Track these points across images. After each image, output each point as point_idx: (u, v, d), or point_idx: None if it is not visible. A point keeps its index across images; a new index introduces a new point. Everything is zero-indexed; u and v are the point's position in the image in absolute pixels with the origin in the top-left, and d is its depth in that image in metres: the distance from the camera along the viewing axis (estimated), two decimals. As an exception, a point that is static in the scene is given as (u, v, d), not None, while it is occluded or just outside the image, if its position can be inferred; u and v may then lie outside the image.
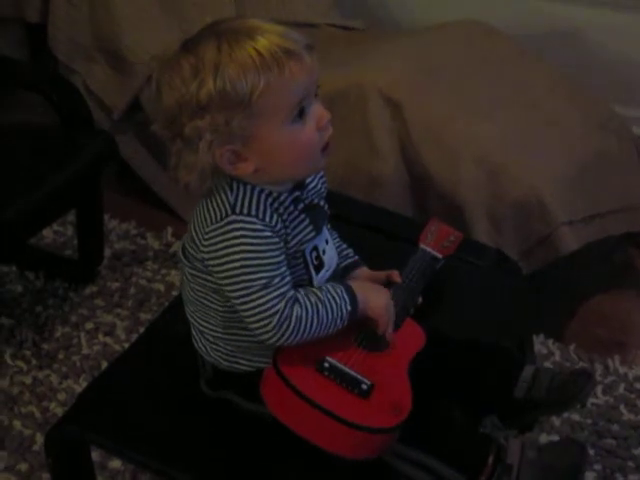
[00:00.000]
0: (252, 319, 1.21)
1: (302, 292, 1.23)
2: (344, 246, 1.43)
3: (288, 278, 1.22)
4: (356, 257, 1.43)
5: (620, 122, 2.26)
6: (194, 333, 1.34)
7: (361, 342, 1.28)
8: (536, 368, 1.42)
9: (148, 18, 2.39)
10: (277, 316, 1.19)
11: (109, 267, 2.30)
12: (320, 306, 1.22)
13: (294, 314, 1.20)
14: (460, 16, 2.45)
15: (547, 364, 1.99)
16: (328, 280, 1.31)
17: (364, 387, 1.23)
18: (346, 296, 1.25)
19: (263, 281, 1.19)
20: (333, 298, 1.24)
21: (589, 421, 1.85)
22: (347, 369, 1.24)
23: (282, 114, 1.16)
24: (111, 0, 2.43)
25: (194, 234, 1.23)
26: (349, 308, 1.24)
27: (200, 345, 1.33)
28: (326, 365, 1.24)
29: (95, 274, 2.26)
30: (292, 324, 1.20)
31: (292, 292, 1.21)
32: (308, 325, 1.21)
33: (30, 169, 1.94)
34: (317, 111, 1.19)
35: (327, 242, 1.32)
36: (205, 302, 1.28)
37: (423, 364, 1.30)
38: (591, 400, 1.88)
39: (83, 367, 2.01)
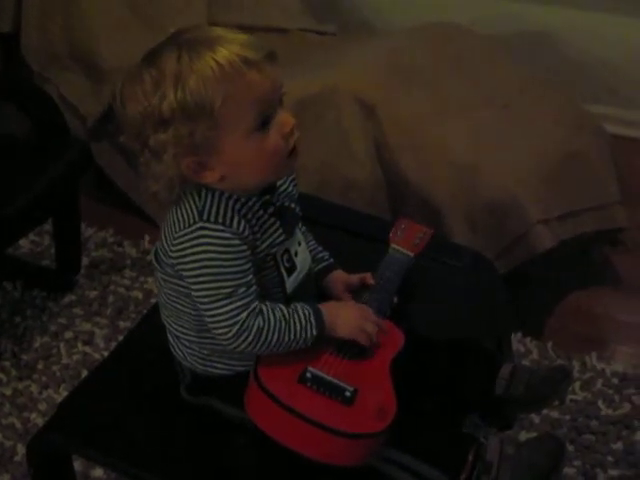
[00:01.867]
0: (213, 325, 1.22)
1: (268, 305, 1.24)
2: (319, 249, 1.43)
3: (254, 288, 1.22)
4: (331, 260, 1.43)
5: (592, 120, 2.28)
6: (170, 338, 1.34)
7: (341, 350, 1.29)
8: (514, 366, 1.43)
9: (122, 26, 2.39)
10: (237, 326, 1.21)
11: (87, 276, 2.29)
12: (283, 324, 1.24)
13: (255, 325, 1.21)
14: (432, 19, 2.47)
15: (525, 362, 2.00)
16: (301, 283, 1.32)
17: (347, 394, 1.23)
18: (313, 320, 1.26)
19: (227, 290, 1.20)
20: (299, 319, 1.25)
21: (567, 417, 1.86)
22: (329, 378, 1.25)
23: (245, 124, 1.16)
24: (85, 9, 2.43)
25: (164, 239, 1.23)
26: (314, 332, 1.25)
27: (177, 350, 1.34)
28: (308, 375, 1.25)
29: (73, 283, 2.26)
30: (252, 335, 1.21)
31: (256, 303, 1.22)
32: (268, 339, 1.23)
33: (5, 179, 1.94)
34: (281, 118, 1.19)
35: (299, 244, 1.32)
36: (178, 306, 1.28)
37: (402, 365, 1.30)
38: (569, 397, 1.90)
39: (63, 377, 2.01)
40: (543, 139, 2.12)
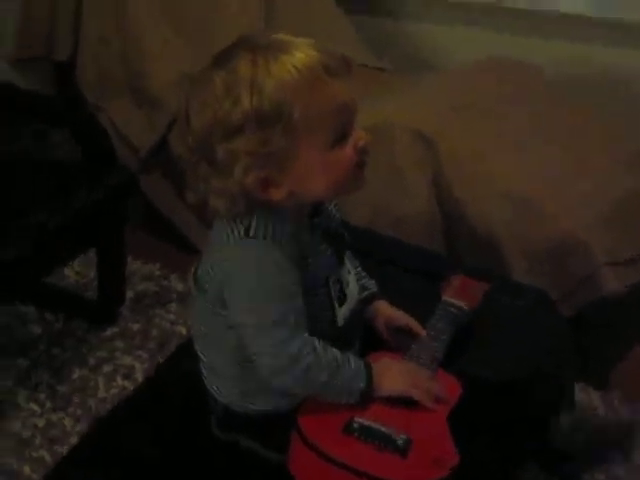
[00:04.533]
0: (259, 355, 1.13)
1: (321, 343, 1.14)
2: (363, 274, 1.34)
3: (303, 316, 1.13)
4: (375, 289, 1.34)
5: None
6: (204, 371, 1.25)
7: (391, 399, 1.18)
8: (574, 417, 1.31)
9: (178, 54, 2.35)
10: (286, 356, 1.11)
11: (131, 308, 2.23)
12: (334, 366, 1.14)
13: (306, 360, 1.12)
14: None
15: (589, 414, 1.86)
16: (351, 316, 1.22)
17: (400, 443, 1.13)
18: (363, 373, 1.16)
19: (277, 315, 1.10)
20: (350, 367, 1.15)
21: (636, 477, 1.72)
22: (378, 426, 1.14)
23: (324, 136, 1.08)
24: (142, 36, 2.40)
25: (207, 260, 1.14)
26: (361, 385, 1.15)
27: (211, 384, 1.24)
28: (355, 426, 1.14)
29: (115, 315, 2.19)
30: (300, 369, 1.12)
31: (306, 333, 1.13)
32: (316, 378, 1.13)
33: (47, 202, 1.88)
34: (359, 133, 1.11)
35: (349, 273, 1.23)
36: (217, 337, 1.19)
37: (458, 410, 1.19)
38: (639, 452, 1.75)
39: (99, 410, 1.92)
40: (606, 179, 2.01)
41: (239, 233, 1.10)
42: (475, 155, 2.01)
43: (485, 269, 1.78)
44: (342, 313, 1.20)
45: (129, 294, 2.26)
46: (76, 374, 2.03)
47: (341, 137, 1.09)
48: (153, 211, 2.47)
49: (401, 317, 1.31)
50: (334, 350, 1.15)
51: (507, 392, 1.31)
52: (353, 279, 1.24)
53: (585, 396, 1.90)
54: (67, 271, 2.34)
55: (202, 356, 1.24)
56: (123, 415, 1.36)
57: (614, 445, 1.31)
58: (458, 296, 1.37)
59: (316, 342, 1.13)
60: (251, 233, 1.10)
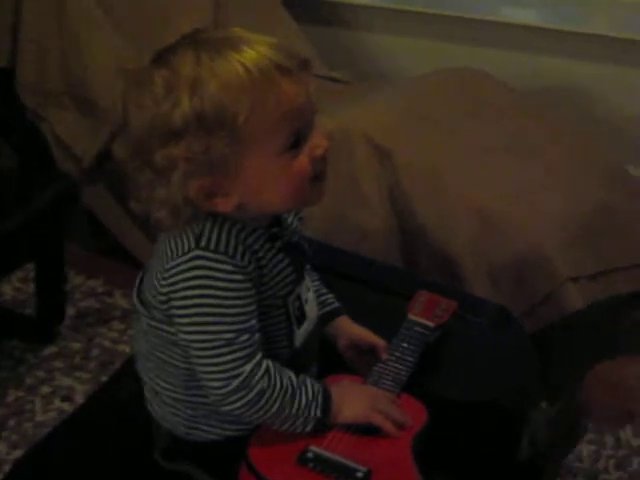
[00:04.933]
0: (208, 377, 1.02)
1: (276, 366, 1.05)
2: (323, 290, 1.25)
3: (257, 336, 1.03)
4: (336, 304, 1.25)
5: (624, 175, 2.11)
6: (147, 395, 1.14)
7: (350, 426, 1.09)
8: (532, 430, 1.25)
9: (121, 58, 2.24)
10: (237, 380, 1.01)
11: (71, 327, 2.12)
12: (289, 392, 1.04)
13: (259, 385, 1.02)
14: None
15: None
16: (309, 336, 1.13)
17: (359, 475, 1.03)
18: (320, 399, 1.07)
19: (228, 335, 1.00)
20: (306, 393, 1.06)
21: None
22: (336, 457, 1.05)
23: (274, 143, 0.98)
24: (84, 43, 2.29)
25: (152, 274, 1.04)
26: (317, 413, 1.06)
27: (155, 408, 1.14)
28: (310, 455, 1.05)
29: (55, 334, 2.08)
30: (251, 394, 1.02)
31: (260, 355, 1.03)
32: (268, 405, 1.03)
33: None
34: (315, 140, 1.01)
35: (309, 290, 1.14)
36: (163, 357, 1.09)
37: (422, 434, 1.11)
38: (603, 476, 1.69)
39: (36, 435, 1.81)
40: (572, 191, 1.95)
41: (188, 244, 1.01)
42: (434, 167, 1.94)
43: (446, 285, 1.71)
44: (300, 333, 1.11)
45: (70, 311, 2.15)
46: (12, 396, 1.92)
47: (294, 144, 0.99)
48: (97, 224, 2.35)
49: (365, 335, 1.23)
50: (290, 374, 1.06)
51: (473, 413, 1.23)
52: (312, 296, 1.15)
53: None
54: (4, 287, 2.22)
55: (145, 378, 1.14)
56: (58, 442, 1.26)
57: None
58: (424, 314, 1.29)
59: (270, 365, 1.04)
60: (202, 244, 1.00)
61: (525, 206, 1.88)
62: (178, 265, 1.00)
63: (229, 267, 0.99)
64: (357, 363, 1.22)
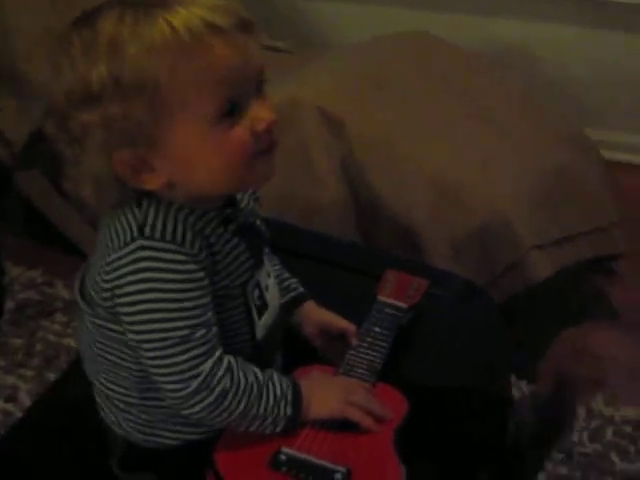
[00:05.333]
0: (163, 380, 0.93)
1: (239, 362, 0.96)
2: (285, 275, 1.15)
3: (215, 330, 0.93)
4: (301, 289, 1.16)
5: (586, 141, 2.05)
6: (99, 399, 1.04)
7: (325, 423, 1.00)
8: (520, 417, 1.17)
9: (50, 27, 2.10)
10: (197, 381, 0.92)
11: (11, 321, 1.99)
12: (255, 390, 0.95)
13: (220, 385, 0.93)
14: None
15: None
16: (272, 325, 1.03)
17: (338, 476, 0.95)
18: (290, 395, 0.97)
19: (181, 332, 0.90)
20: (274, 390, 0.97)
21: (578, 474, 1.59)
22: (311, 458, 0.96)
23: (203, 110, 0.88)
24: (8, 22, 2.15)
25: (94, 268, 0.94)
26: (288, 411, 0.97)
27: (108, 414, 1.03)
28: (282, 458, 0.96)
29: (-7, 330, 1.95)
30: (213, 396, 0.93)
31: (220, 351, 0.94)
32: (232, 406, 0.94)
33: None
34: (256, 112, 0.90)
35: (269, 275, 1.04)
36: (111, 358, 0.98)
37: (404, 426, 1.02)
38: (578, 449, 1.63)
39: (-21, 441, 1.69)
40: (533, 157, 1.89)
41: (131, 233, 0.90)
42: (388, 136, 1.85)
43: (411, 260, 1.63)
44: (262, 324, 1.01)
45: (9, 305, 2.02)
46: (-51, 400, 1.79)
47: (228, 113, 0.89)
48: (33, 211, 2.23)
49: (334, 320, 1.14)
50: (255, 369, 0.97)
51: (447, 398, 1.15)
52: (273, 282, 1.05)
53: (516, 390, 1.77)
54: (-63, 281, 2.08)
55: (95, 381, 1.03)
56: (6, 451, 1.15)
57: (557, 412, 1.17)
58: (395, 295, 1.21)
59: (232, 361, 0.95)
60: (146, 232, 0.90)
61: (483, 173, 1.81)
62: (120, 258, 0.90)
63: (178, 256, 0.90)
64: (328, 351, 1.13)
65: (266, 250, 1.05)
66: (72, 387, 1.21)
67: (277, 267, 1.14)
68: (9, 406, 1.78)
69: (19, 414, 1.74)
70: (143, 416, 1.00)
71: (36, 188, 2.21)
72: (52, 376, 1.84)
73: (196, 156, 0.89)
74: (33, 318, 2.00)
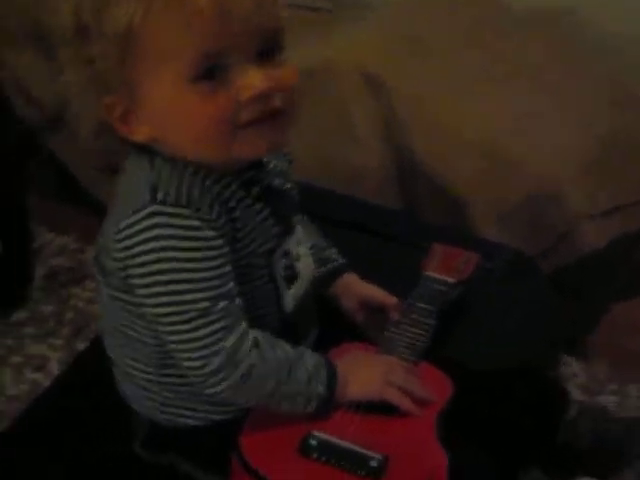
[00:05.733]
0: (182, 357, 0.86)
1: (266, 336, 0.88)
2: (324, 244, 1.07)
3: (238, 301, 0.86)
4: (341, 260, 1.08)
5: (636, 97, 1.93)
6: (118, 376, 0.98)
7: (360, 405, 0.92)
8: (581, 404, 1.08)
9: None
10: (219, 358, 0.84)
11: (42, 288, 1.94)
12: (285, 368, 0.87)
13: (246, 361, 0.85)
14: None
15: (571, 387, 1.64)
16: (304, 298, 0.95)
17: (373, 464, 0.87)
18: (324, 374, 0.89)
19: (201, 304, 0.83)
20: (306, 368, 0.89)
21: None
22: (344, 443, 0.88)
23: (178, 65, 0.80)
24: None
25: (107, 232, 0.87)
26: (320, 390, 0.89)
27: (128, 392, 0.97)
28: (313, 443, 0.89)
29: (24, 297, 1.90)
30: (238, 374, 0.85)
31: (244, 325, 0.86)
32: (259, 385, 0.86)
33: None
34: (245, 80, 0.81)
35: (300, 243, 0.96)
36: (129, 332, 0.91)
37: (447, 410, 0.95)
38: (631, 431, 1.54)
39: (8, 412, 1.64)
40: (586, 120, 1.77)
41: (143, 198, 0.83)
42: (432, 98, 1.75)
43: (458, 230, 1.54)
44: (291, 295, 0.94)
45: (40, 271, 1.98)
46: (-22, 369, 1.75)
47: (206, 74, 0.81)
48: (67, 176, 2.17)
49: (376, 294, 1.06)
50: (284, 344, 0.90)
51: (497, 382, 1.06)
52: (306, 251, 0.97)
53: (566, 368, 1.68)
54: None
55: (114, 357, 0.97)
56: (26, 428, 1.09)
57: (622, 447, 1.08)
58: (442, 269, 1.12)
59: (259, 336, 0.88)
60: (159, 197, 0.83)
61: (533, 136, 1.70)
62: (132, 225, 0.83)
63: (194, 222, 0.82)
64: (369, 327, 1.06)
65: (299, 216, 0.97)
66: (99, 358, 1.14)
67: (314, 235, 1.06)
68: (38, 376, 1.73)
69: (48, 384, 1.70)
70: (164, 394, 0.93)
71: (68, 151, 2.16)
72: (82, 345, 1.79)
73: (169, 116, 0.82)
74: (64, 285, 1.95)
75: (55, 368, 1.74)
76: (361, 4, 2.61)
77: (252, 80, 0.81)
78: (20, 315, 1.87)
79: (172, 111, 0.82)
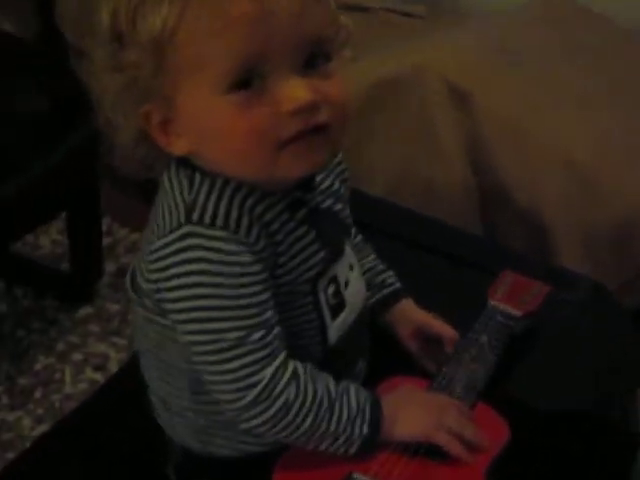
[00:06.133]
0: (217, 388, 0.80)
1: (307, 368, 0.82)
2: (380, 267, 1.00)
3: (277, 330, 0.79)
4: (398, 284, 1.00)
5: None
6: (153, 400, 0.92)
7: (408, 447, 0.85)
8: None
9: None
10: (256, 391, 0.78)
11: (111, 285, 1.92)
12: (325, 404, 0.80)
13: (284, 395, 0.78)
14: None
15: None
16: (352, 328, 0.88)
17: None
18: (368, 411, 0.82)
19: (237, 334, 0.77)
20: (349, 405, 0.82)
21: None
22: None
23: (214, 72, 0.74)
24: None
25: (143, 250, 0.82)
26: (364, 430, 0.82)
27: (163, 417, 0.91)
28: None
29: (92, 292, 1.88)
30: (274, 408, 0.79)
31: (284, 355, 0.80)
32: (297, 421, 0.79)
33: (8, 156, 1.58)
34: (287, 89, 0.74)
35: (352, 268, 0.89)
36: (163, 356, 0.86)
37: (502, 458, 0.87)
38: None
39: (63, 410, 1.63)
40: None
41: (178, 217, 0.78)
42: (521, 113, 1.67)
43: (527, 256, 1.45)
44: (337, 326, 0.87)
45: (110, 267, 1.95)
46: (41, 363, 1.73)
47: (244, 82, 0.74)
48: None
49: (435, 323, 0.98)
50: (327, 378, 0.83)
51: (572, 428, 0.98)
52: (357, 276, 0.90)
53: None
54: (42, 239, 2.03)
55: (148, 380, 0.91)
56: (60, 439, 1.05)
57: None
58: (509, 300, 1.04)
59: (299, 368, 0.81)
60: (194, 217, 0.77)
61: (627, 162, 1.60)
62: (166, 246, 0.77)
63: (231, 246, 0.76)
64: (425, 359, 0.99)
65: (351, 239, 0.90)
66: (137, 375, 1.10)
67: (370, 258, 0.99)
68: (97, 375, 1.72)
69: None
70: (199, 421, 0.87)
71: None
72: (144, 347, 1.77)
73: (205, 129, 0.76)
74: (132, 283, 1.93)
75: (115, 368, 1.72)
76: (458, 12, 2.53)
77: (295, 91, 0.74)
78: (86, 311, 1.85)
79: (208, 123, 0.76)
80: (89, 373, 1.71)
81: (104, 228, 1.99)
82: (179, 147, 0.78)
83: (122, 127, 0.78)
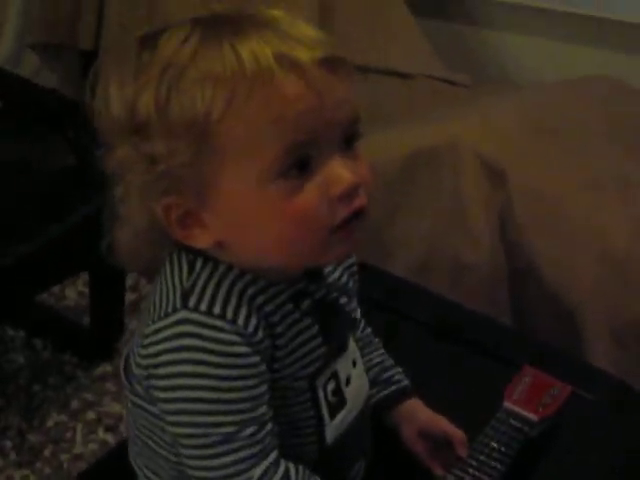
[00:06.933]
0: None
1: (300, 470, 0.77)
2: (388, 363, 0.96)
3: (270, 427, 0.75)
4: (405, 382, 0.96)
5: None
6: (138, 486, 0.88)
7: None
8: None
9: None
10: None
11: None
12: None
13: None
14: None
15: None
16: (352, 426, 0.84)
17: None
18: None
19: (228, 429, 0.73)
20: None
21: None
22: None
23: (261, 161, 0.71)
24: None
25: (136, 334, 0.79)
26: None
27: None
28: None
29: (112, 350, 1.85)
30: None
31: (276, 454, 0.75)
32: None
33: (37, 212, 1.58)
34: (334, 171, 0.72)
35: (354, 364, 0.85)
36: (149, 444, 0.82)
37: None
38: None
39: (70, 470, 1.59)
40: None
41: (174, 302, 0.74)
42: (557, 193, 1.63)
43: (549, 347, 1.39)
44: (335, 425, 0.82)
45: (133, 325, 1.91)
46: (52, 420, 1.70)
47: (296, 168, 0.72)
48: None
49: (443, 425, 0.93)
50: (315, 477, 0.79)
51: None
52: (359, 374, 0.86)
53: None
54: (69, 290, 2.02)
55: (136, 467, 0.87)
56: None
57: None
58: (527, 403, 0.98)
59: (291, 469, 0.77)
60: (190, 303, 0.73)
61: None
62: (160, 330, 0.74)
63: (227, 336, 0.72)
64: (431, 462, 0.93)
65: (357, 333, 0.86)
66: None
67: (377, 353, 0.95)
68: (108, 436, 1.67)
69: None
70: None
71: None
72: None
73: (249, 219, 0.73)
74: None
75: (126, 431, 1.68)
76: (505, 80, 2.50)
77: (341, 172, 0.72)
78: (104, 369, 1.82)
79: (250, 214, 0.72)
80: (101, 434, 1.67)
81: (130, 283, 1.97)
82: (203, 240, 0.74)
83: (134, 220, 0.75)
